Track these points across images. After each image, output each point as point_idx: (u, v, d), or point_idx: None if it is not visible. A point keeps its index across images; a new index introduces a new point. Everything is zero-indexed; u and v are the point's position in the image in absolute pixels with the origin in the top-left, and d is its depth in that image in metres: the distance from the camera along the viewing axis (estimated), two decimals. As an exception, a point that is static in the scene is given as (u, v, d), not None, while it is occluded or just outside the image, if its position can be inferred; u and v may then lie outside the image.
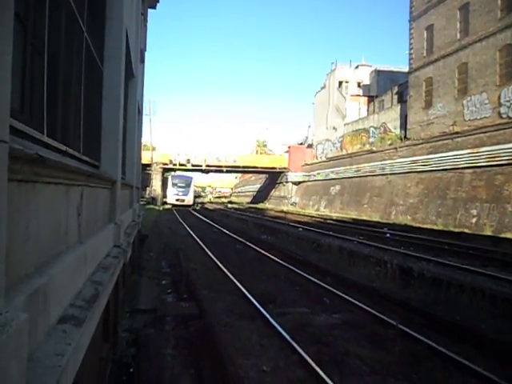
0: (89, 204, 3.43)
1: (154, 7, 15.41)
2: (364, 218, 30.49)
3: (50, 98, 2.72)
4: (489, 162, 22.78)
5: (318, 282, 9.39)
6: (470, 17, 26.80)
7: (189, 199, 50.81)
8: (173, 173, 57.62)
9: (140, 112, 14.28)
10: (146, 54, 16.03)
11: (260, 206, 54.57)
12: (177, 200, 49.46)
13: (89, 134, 4.36)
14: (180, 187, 50.53)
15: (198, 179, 74.22)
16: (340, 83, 51.45)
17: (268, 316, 6.67)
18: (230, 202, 70.30)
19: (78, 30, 3.69)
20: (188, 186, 51.23)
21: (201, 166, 52.82)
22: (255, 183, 74.78)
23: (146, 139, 44.30)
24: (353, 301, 7.77)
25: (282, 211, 40.77)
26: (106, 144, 5.14)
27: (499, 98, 24.35)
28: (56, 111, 2.98)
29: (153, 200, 47.76)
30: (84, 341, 2.28)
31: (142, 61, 13.72)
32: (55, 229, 2.32)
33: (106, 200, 4.84)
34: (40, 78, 2.53)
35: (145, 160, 39.54)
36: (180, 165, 52.24)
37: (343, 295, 8.17)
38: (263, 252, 13.98)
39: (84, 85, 3.97)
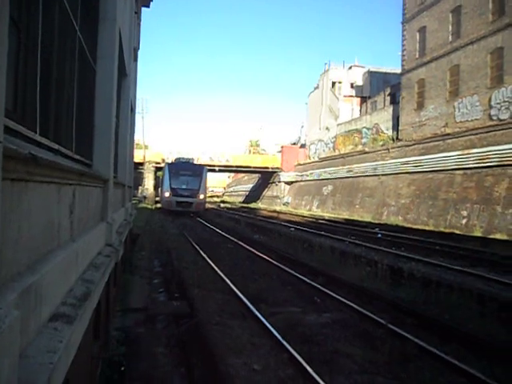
0: (81, 203, 3.45)
1: (147, 6, 15.38)
2: (356, 218, 30.64)
3: (43, 97, 2.73)
4: (479, 163, 23.00)
5: (310, 281, 9.44)
6: (462, 19, 27.04)
7: (198, 203, 33.04)
8: (170, 159, 42.37)
9: (133, 110, 14.24)
10: (139, 52, 16.00)
11: (253, 205, 54.58)
12: (179, 203, 32.22)
13: (81, 133, 4.36)
14: (184, 182, 32.92)
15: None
16: (333, 84, 51.64)
17: (259, 315, 6.71)
18: (223, 202, 70.23)
19: (72, 29, 3.70)
20: (198, 179, 33.52)
21: (193, 165, 52.07)
22: (248, 183, 74.79)
23: (138, 137, 43.85)
24: (343, 300, 7.83)
25: (274, 211, 40.84)
26: (98, 143, 5.14)
27: (490, 100, 24.59)
28: (49, 110, 2.99)
29: (145, 199, 47.46)
30: (75, 338, 2.29)
31: (135, 59, 13.69)
32: (47, 227, 2.34)
33: (98, 199, 4.85)
34: (33, 77, 2.54)
35: (137, 159, 39.36)
36: (172, 164, 50.97)
37: (334, 295, 8.23)
38: (255, 251, 14.01)
39: (77, 84, 3.98)
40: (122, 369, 4.89)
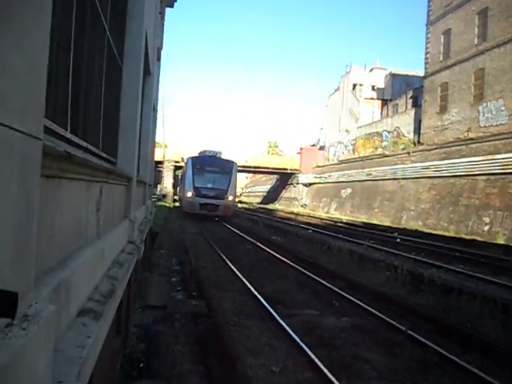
0: (107, 200, 3.49)
1: (171, 6, 15.51)
2: (374, 222, 30.33)
3: (74, 94, 2.77)
4: (503, 169, 22.51)
5: (328, 284, 9.38)
6: (489, 22, 26.50)
7: (226, 205, 27.81)
8: (192, 153, 34.48)
9: (155, 109, 14.38)
10: (162, 51, 16.15)
11: (270, 206, 54.56)
12: (203, 206, 27.14)
13: (107, 131, 4.41)
14: (210, 180, 27.88)
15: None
16: (354, 86, 51.24)
17: (277, 317, 6.69)
18: (240, 202, 70.42)
19: (101, 27, 3.75)
20: (226, 177, 28.46)
21: (213, 164, 51.96)
22: (266, 184, 74.76)
23: (158, 136, 44.18)
24: (362, 305, 7.75)
25: (292, 212, 40.73)
26: (123, 141, 5.20)
27: (516, 105, 24.06)
28: (78, 108, 3.03)
29: (164, 197, 47.89)
30: (101, 334, 2.32)
31: (159, 59, 13.82)
32: (76, 224, 2.37)
33: (122, 196, 4.91)
34: (65, 75, 2.57)
35: (157, 157, 39.63)
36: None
37: (353, 299, 8.15)
38: (273, 253, 13.99)
39: (105, 82, 4.03)
40: (141, 365, 4.93)
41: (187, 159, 30.59)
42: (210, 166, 28.55)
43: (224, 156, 32.32)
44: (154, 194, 40.24)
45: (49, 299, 1.52)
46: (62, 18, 2.47)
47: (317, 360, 4.97)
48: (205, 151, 31.95)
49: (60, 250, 2.00)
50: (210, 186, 27.57)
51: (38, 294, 1.41)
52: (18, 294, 0.74)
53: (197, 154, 32.22)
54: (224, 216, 27.55)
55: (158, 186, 51.43)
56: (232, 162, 29.95)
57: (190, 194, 27.62)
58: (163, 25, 16.00)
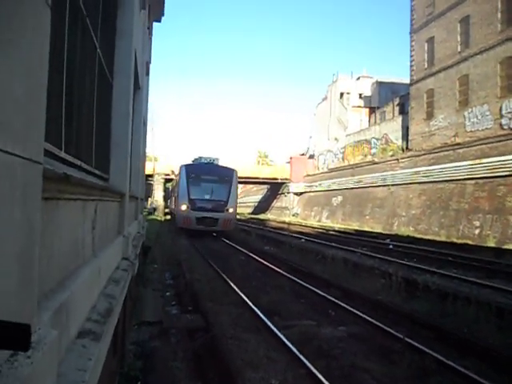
0: (101, 218, 3.47)
1: (158, 20, 15.59)
2: (366, 229, 30.45)
3: (67, 113, 2.77)
4: (491, 173, 22.80)
5: (323, 294, 9.37)
6: (471, 29, 27.04)
7: (226, 219, 24.57)
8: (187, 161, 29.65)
9: (145, 123, 14.37)
10: (151, 65, 16.19)
11: (262, 216, 54.52)
12: (200, 221, 23.97)
13: (99, 148, 4.40)
14: (207, 191, 24.59)
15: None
16: (341, 94, 51.74)
17: (274, 328, 6.66)
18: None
19: (92, 45, 3.76)
20: (226, 186, 25.06)
21: (203, 176, 51.91)
22: (256, 194, 74.80)
23: (148, 149, 43.94)
24: (358, 313, 7.75)
25: (283, 222, 40.74)
26: (114, 157, 5.18)
27: (500, 109, 24.47)
28: (71, 127, 3.02)
29: (154, 211, 47.65)
30: (102, 355, 2.29)
31: (147, 73, 13.85)
32: (74, 243, 2.35)
33: (116, 213, 4.88)
34: (59, 93, 2.57)
35: (147, 171, 39.53)
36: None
37: (348, 307, 8.15)
38: (267, 263, 13.96)
39: (96, 99, 4.03)
40: (139, 383, 4.86)
41: (180, 167, 26.23)
42: (207, 175, 24.79)
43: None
44: (145, 208, 40.00)
45: (50, 323, 1.50)
46: (55, 38, 2.48)
47: (316, 371, 4.94)
48: (200, 158, 27.68)
49: (59, 271, 1.98)
50: (207, 197, 24.14)
51: (40, 319, 1.39)
52: (30, 326, 0.73)
53: (190, 162, 28.13)
54: (224, 231, 24.55)
55: (149, 199, 51.19)
56: (232, 170, 25.77)
57: (184, 208, 24.07)
58: (151, 39, 16.07)
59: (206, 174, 24.89)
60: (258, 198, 71.96)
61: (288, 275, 11.71)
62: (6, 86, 1.06)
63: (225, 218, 24.17)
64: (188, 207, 24.00)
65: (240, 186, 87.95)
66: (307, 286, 10.26)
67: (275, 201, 59.21)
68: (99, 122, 4.36)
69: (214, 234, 24.75)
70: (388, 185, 33.03)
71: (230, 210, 24.49)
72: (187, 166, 25.76)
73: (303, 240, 21.25)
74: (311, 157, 57.85)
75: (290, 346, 5.84)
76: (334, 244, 18.68)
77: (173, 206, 32.95)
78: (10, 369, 1.01)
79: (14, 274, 1.11)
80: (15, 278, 1.11)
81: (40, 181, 1.33)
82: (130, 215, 6.81)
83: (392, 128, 38.88)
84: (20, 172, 1.16)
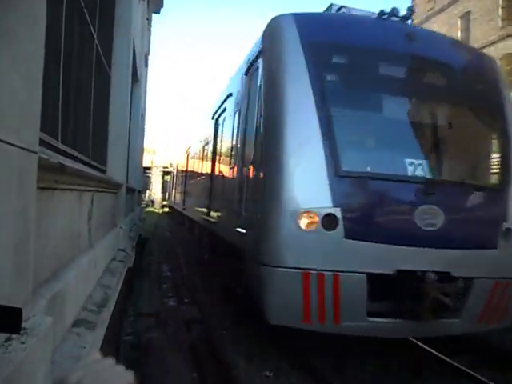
0: (98, 208, 3.49)
1: (158, 12, 15.53)
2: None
3: (64, 104, 2.78)
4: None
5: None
6: (471, 25, 26.96)
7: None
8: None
9: (143, 115, 14.36)
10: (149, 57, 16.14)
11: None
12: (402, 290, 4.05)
13: (96, 139, 4.41)
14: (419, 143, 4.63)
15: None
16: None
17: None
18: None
19: (90, 36, 3.76)
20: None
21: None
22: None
23: (146, 142, 43.73)
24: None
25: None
26: (112, 149, 5.20)
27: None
28: (68, 117, 3.03)
29: (152, 203, 47.67)
30: (96, 344, 2.32)
31: (146, 65, 13.81)
32: (70, 234, 2.37)
33: (112, 204, 4.90)
34: (56, 85, 2.58)
35: (145, 163, 39.50)
36: (180, 169, 49.76)
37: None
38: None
39: (94, 91, 4.04)
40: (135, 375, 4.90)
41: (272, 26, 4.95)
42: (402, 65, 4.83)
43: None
44: (142, 200, 40.00)
45: (45, 311, 1.53)
46: (52, 28, 2.48)
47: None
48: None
49: (55, 260, 2.00)
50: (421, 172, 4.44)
51: (35, 307, 1.42)
52: (21, 310, 0.75)
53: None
54: None
55: (147, 191, 51.20)
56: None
57: (306, 221, 4.00)
58: (150, 31, 16.01)
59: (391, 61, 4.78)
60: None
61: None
62: (4, 76, 1.07)
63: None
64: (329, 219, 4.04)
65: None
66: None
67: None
68: (97, 114, 4.36)
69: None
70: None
71: None
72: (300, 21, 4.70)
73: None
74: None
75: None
76: None
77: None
78: (4, 353, 1.04)
79: (9, 261, 1.13)
80: (10, 265, 1.13)
81: (35, 170, 1.34)
82: (127, 207, 6.83)
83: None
84: (15, 161, 1.17)
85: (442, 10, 30.22)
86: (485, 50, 25.63)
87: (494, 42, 25.05)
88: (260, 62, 5.13)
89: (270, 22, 4.91)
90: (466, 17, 27.69)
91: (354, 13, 5.48)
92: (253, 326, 6.08)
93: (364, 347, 5.76)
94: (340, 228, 3.97)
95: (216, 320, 6.82)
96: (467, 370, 5.00)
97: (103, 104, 4.95)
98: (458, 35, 28.49)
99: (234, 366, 4.95)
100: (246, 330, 6.32)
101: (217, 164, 8.64)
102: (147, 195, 50.92)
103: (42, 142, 2.16)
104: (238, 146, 6.15)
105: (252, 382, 4.73)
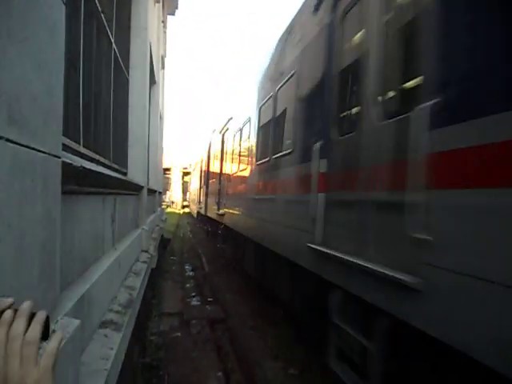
0: (120, 211, 3.53)
1: (173, 14, 15.60)
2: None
3: (84, 109, 2.81)
4: None
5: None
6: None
7: None
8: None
9: (161, 117, 14.48)
10: (166, 59, 16.24)
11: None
12: None
13: (117, 142, 4.46)
14: None
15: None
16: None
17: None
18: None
19: (107, 41, 3.80)
20: None
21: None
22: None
23: (165, 143, 43.90)
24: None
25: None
26: (133, 151, 5.26)
27: None
28: (89, 122, 3.07)
29: (173, 204, 48.09)
30: (123, 345, 2.35)
31: (163, 67, 13.91)
32: (94, 236, 2.40)
33: (134, 206, 4.95)
34: (76, 90, 2.62)
35: (165, 164, 39.86)
36: (201, 169, 49.46)
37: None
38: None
39: (113, 94, 4.08)
40: (161, 373, 4.96)
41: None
42: None
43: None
44: (164, 201, 40.37)
45: (73, 313, 1.55)
46: (70, 34, 2.52)
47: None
48: None
49: (80, 263, 2.03)
50: None
51: (62, 309, 1.44)
52: (49, 316, 0.76)
53: None
54: None
55: (167, 192, 51.68)
56: None
57: None
58: (165, 33, 16.12)
59: None
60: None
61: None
62: (23, 83, 1.08)
63: None
64: None
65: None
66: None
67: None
68: (116, 117, 4.42)
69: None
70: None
71: None
72: None
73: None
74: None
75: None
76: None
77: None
78: (35, 356, 1.05)
79: (37, 265, 1.14)
80: (37, 269, 1.15)
81: (59, 174, 1.36)
82: (148, 208, 6.91)
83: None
84: (40, 166, 1.19)
85: None
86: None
87: None
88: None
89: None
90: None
91: None
92: (278, 325, 6.08)
93: None
94: None
95: (240, 320, 6.85)
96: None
97: (122, 107, 5.01)
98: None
99: (258, 365, 4.97)
100: (271, 329, 6.32)
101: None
102: (168, 196, 51.39)
103: (65, 147, 2.20)
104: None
105: (277, 380, 4.73)
